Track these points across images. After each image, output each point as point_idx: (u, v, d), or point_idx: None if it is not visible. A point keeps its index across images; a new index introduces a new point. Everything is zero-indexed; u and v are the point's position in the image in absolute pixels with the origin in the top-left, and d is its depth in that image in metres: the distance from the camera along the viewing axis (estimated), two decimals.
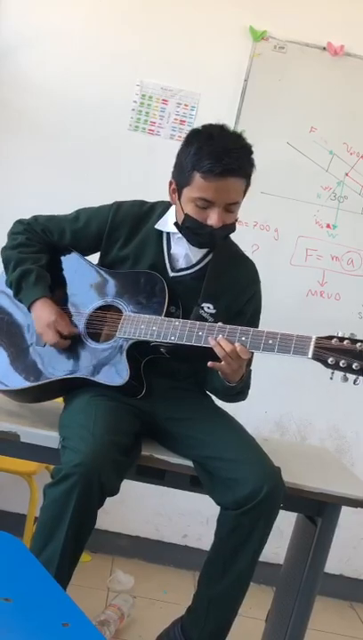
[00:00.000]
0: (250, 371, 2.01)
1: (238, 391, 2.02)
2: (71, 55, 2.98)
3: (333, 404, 3.07)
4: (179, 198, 1.98)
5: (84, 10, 2.98)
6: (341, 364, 1.74)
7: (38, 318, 2.06)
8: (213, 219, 1.93)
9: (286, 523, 2.19)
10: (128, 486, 1.89)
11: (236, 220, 2.00)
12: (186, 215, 1.96)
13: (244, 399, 2.09)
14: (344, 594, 3.25)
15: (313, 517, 2.14)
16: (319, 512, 2.10)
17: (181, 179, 1.96)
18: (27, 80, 2.98)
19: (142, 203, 2.15)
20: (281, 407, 3.16)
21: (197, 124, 2.08)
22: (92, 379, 2.00)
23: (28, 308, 2.08)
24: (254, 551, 1.91)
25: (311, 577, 2.12)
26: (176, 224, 2.03)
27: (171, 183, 2.01)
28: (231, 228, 2.00)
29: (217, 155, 1.88)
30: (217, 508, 1.96)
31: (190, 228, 1.98)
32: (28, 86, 2.98)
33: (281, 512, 1.93)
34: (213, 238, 1.98)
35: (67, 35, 2.97)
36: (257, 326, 2.11)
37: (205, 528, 3.00)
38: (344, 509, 2.11)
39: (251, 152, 1.96)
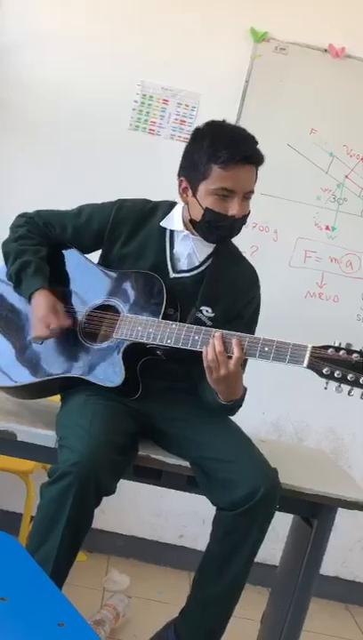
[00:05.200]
0: (245, 389, 1.99)
1: (230, 408, 2.00)
2: (72, 55, 2.98)
3: (330, 406, 3.06)
4: (194, 195, 1.97)
5: (85, 10, 2.98)
6: (336, 375, 1.74)
7: (33, 310, 2.05)
8: (234, 208, 1.93)
9: (281, 524, 2.18)
10: (124, 486, 1.89)
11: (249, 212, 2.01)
12: (206, 209, 1.95)
13: (232, 415, 2.07)
14: (340, 595, 3.25)
15: (309, 519, 2.14)
16: (315, 514, 2.11)
17: (194, 175, 1.96)
18: (27, 80, 2.98)
19: (146, 201, 2.14)
20: (278, 409, 3.16)
21: (197, 124, 2.07)
22: (87, 379, 2.00)
23: (29, 301, 2.07)
24: (250, 553, 1.91)
25: (307, 578, 2.12)
26: (192, 221, 2.01)
27: (181, 182, 2.01)
28: (246, 218, 2.01)
29: (233, 143, 1.91)
30: (213, 509, 1.96)
31: (211, 222, 1.97)
32: (29, 86, 2.98)
33: (277, 513, 1.93)
34: (233, 230, 2.00)
35: (67, 34, 2.96)
36: (254, 330, 2.11)
37: (202, 528, 2.99)
38: (340, 511, 2.11)
39: (257, 142, 1.98)
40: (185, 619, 2.00)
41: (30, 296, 2.06)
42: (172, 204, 2.10)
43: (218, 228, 1.98)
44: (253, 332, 2.08)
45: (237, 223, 1.97)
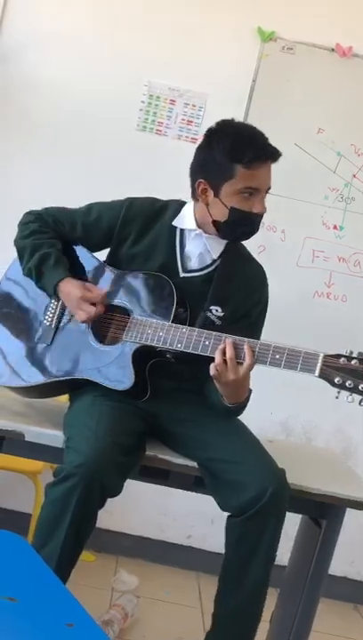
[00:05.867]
0: (250, 391, 1.99)
1: (235, 410, 2.00)
2: (79, 55, 2.99)
3: (339, 406, 3.02)
4: (217, 195, 1.98)
5: (92, 10, 2.99)
6: (347, 385, 1.74)
7: (67, 300, 2.03)
8: (258, 206, 1.97)
9: (290, 524, 2.17)
10: (132, 486, 1.89)
11: None
12: (232, 209, 1.96)
13: (237, 416, 2.06)
14: (348, 596, 3.24)
15: (318, 519, 2.14)
16: (324, 514, 2.10)
17: (217, 176, 1.96)
18: (33, 80, 2.98)
19: (155, 200, 2.14)
20: (287, 408, 3.15)
21: (205, 124, 2.09)
22: (96, 381, 1.99)
23: (54, 293, 2.05)
24: (267, 554, 1.90)
25: (316, 579, 2.11)
26: (215, 222, 2.01)
27: (199, 184, 2.00)
28: (263, 215, 2.03)
29: (255, 142, 1.95)
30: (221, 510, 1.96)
31: (237, 221, 1.98)
32: (35, 86, 2.98)
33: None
34: (255, 226, 2.02)
35: (74, 35, 2.97)
36: (260, 329, 2.11)
37: (210, 529, 3.00)
38: (348, 511, 2.10)
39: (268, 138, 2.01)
40: (215, 632, 1.97)
41: (55, 287, 2.04)
42: (182, 203, 2.10)
43: (243, 226, 2.00)
44: (259, 332, 2.08)
45: (259, 219, 2.00)
